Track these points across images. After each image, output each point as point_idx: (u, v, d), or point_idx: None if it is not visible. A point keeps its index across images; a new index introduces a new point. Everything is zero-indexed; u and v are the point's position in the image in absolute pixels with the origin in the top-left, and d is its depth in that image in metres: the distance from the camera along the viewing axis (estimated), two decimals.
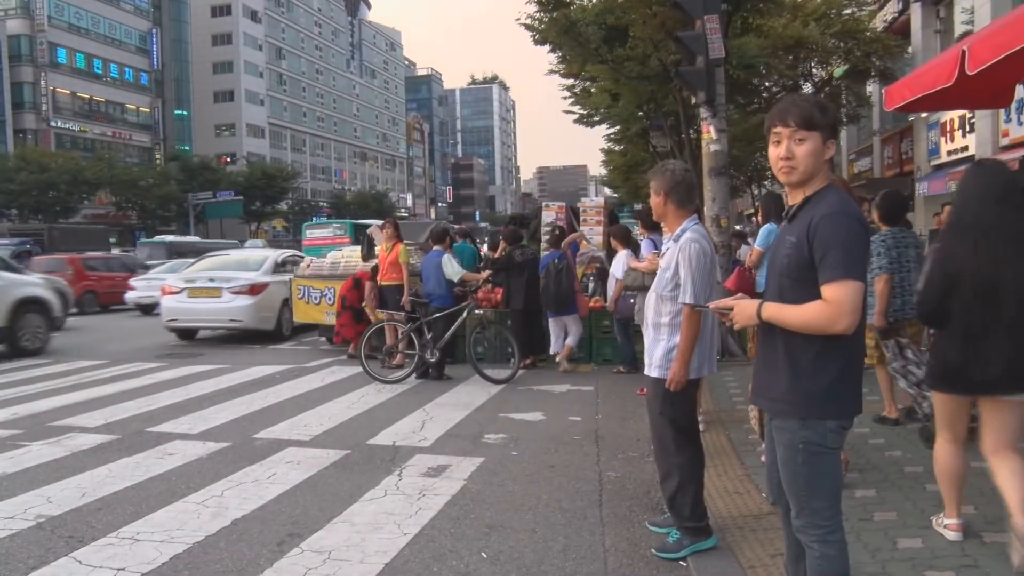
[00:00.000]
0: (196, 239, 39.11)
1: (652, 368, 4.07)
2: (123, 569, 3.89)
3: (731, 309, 2.74)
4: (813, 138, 2.54)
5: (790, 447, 2.63)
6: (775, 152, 2.62)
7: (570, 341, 10.07)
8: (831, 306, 2.43)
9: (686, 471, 4.03)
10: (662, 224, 4.35)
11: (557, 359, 10.10)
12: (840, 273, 2.42)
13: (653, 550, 4.09)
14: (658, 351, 4.04)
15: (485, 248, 14.76)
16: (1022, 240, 3.49)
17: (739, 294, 2.94)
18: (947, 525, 3.85)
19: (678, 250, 3.99)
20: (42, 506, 4.88)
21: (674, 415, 4.04)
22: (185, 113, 73.55)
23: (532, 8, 17.38)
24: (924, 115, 17.94)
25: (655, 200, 4.14)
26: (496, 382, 9.06)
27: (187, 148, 72.09)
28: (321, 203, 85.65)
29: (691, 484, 4.03)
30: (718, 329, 4.23)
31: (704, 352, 4.05)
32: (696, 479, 4.06)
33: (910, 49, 20.31)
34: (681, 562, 3.91)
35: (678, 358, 3.94)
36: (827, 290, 2.44)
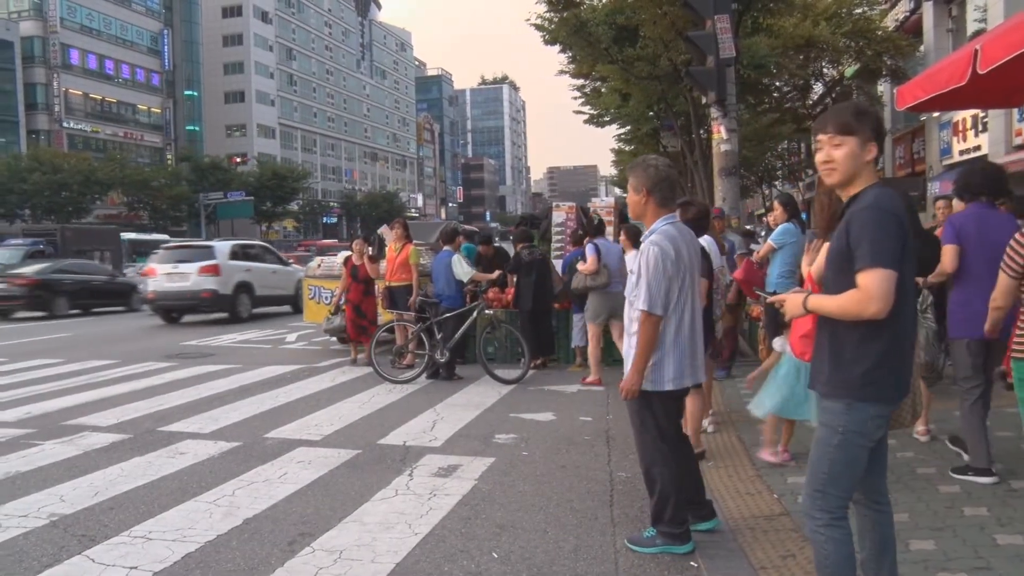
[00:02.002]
0: (163, 237, 40.01)
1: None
2: (135, 568, 3.91)
3: (784, 301, 2.98)
4: (849, 142, 2.73)
5: (830, 427, 2.77)
6: (818, 158, 2.84)
7: (576, 340, 10.12)
8: (861, 292, 2.59)
9: (666, 481, 3.98)
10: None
11: (578, 361, 10.16)
12: (868, 262, 2.58)
13: (626, 540, 4.14)
14: (631, 358, 3.94)
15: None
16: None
17: (797, 288, 3.08)
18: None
19: (640, 253, 3.88)
20: (55, 505, 4.91)
21: (656, 424, 3.97)
22: (195, 94, 73.78)
23: (542, 8, 17.42)
24: (936, 115, 17.85)
25: (634, 198, 3.98)
26: (506, 382, 9.06)
27: (196, 127, 72.58)
28: (332, 203, 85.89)
29: (676, 494, 3.98)
30: (701, 336, 4.07)
31: (682, 360, 3.90)
32: (681, 488, 4.01)
33: (922, 48, 20.20)
34: (691, 562, 3.91)
35: (632, 365, 3.83)
36: (859, 278, 2.60)
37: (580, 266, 9.00)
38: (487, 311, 9.81)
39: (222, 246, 18.51)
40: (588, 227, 9.52)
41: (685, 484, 4.07)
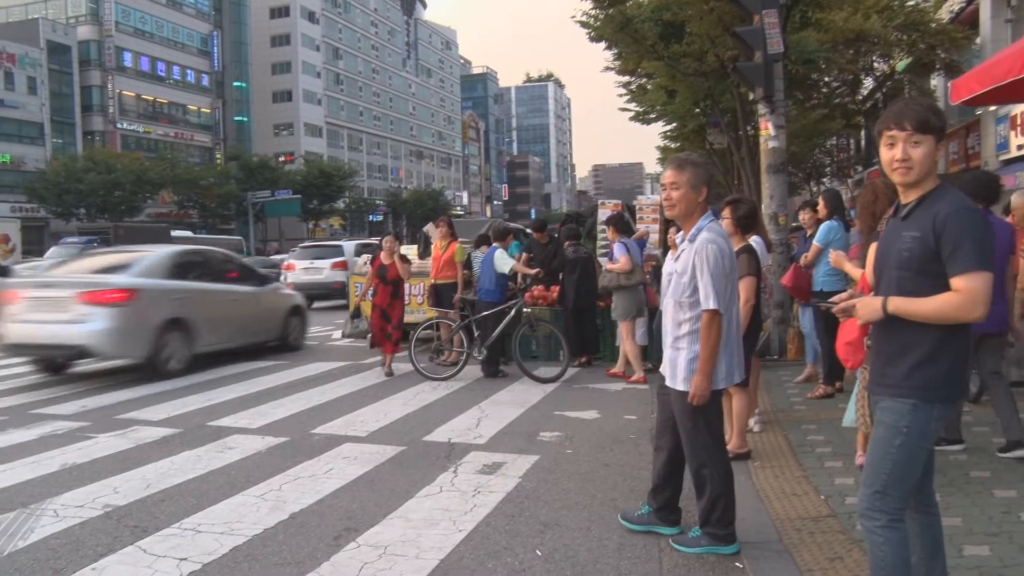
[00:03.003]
0: (187, 233, 41.39)
1: (678, 381, 3.96)
2: (185, 559, 3.99)
3: (852, 307, 2.89)
4: (928, 141, 2.66)
5: (893, 428, 2.73)
6: (889, 154, 2.73)
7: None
8: (965, 295, 2.54)
9: (718, 481, 3.97)
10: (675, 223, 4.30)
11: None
12: (974, 264, 2.53)
13: (671, 540, 4.11)
14: (681, 361, 3.94)
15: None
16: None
17: (858, 291, 3.05)
18: None
19: (694, 252, 3.85)
20: (109, 496, 5.03)
21: (707, 426, 3.97)
22: (244, 84, 75.14)
23: (588, 5, 17.34)
24: (993, 108, 17.39)
25: (691, 195, 3.90)
26: (543, 381, 9.03)
27: (244, 118, 74.39)
28: (378, 201, 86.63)
29: (724, 494, 3.97)
30: (741, 334, 4.11)
31: (732, 359, 3.94)
32: (730, 488, 4.01)
33: (978, 40, 19.69)
34: (737, 563, 3.87)
35: (700, 369, 3.82)
36: (961, 281, 2.55)
37: (609, 265, 9.13)
38: (525, 309, 9.71)
39: (349, 245, 21.76)
40: (617, 225, 9.57)
41: (732, 483, 4.05)
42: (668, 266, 4.19)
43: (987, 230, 2.60)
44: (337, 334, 14.64)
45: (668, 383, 4.06)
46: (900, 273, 2.72)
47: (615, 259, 9.07)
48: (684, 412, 3.97)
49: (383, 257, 9.97)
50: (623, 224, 9.85)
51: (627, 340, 9.17)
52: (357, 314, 10.45)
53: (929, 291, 2.61)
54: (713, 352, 3.81)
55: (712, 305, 3.78)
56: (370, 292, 10.36)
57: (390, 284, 9.85)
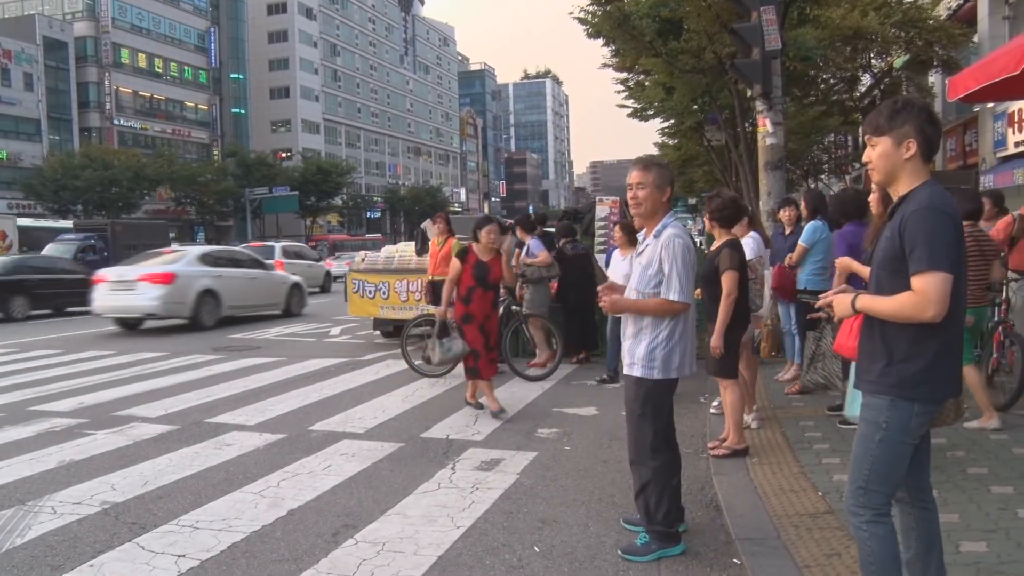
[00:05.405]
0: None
1: (634, 367, 4.00)
2: (183, 556, 3.99)
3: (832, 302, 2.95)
4: (882, 142, 2.75)
5: (872, 423, 2.75)
6: (863, 158, 2.90)
7: None
8: (918, 296, 2.57)
9: (661, 475, 3.98)
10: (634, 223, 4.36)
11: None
12: (925, 265, 2.55)
13: (619, 551, 4.02)
14: (640, 349, 3.98)
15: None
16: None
17: (844, 286, 3.07)
18: None
19: (661, 247, 3.93)
20: (107, 493, 5.03)
21: (654, 416, 3.99)
22: (241, 76, 75.15)
23: (585, 1, 17.32)
24: (990, 105, 17.40)
25: (656, 195, 3.98)
26: (531, 379, 9.00)
27: (242, 111, 74.63)
28: (375, 198, 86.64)
29: (667, 488, 3.98)
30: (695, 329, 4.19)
31: (687, 350, 4.01)
32: (671, 483, 4.02)
33: (976, 37, 19.70)
34: (734, 559, 3.87)
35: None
36: (915, 281, 2.58)
37: (526, 259, 9.73)
38: (513, 307, 9.63)
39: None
40: (523, 225, 10.25)
41: (677, 478, 4.09)
42: (619, 266, 4.28)
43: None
44: (336, 330, 14.62)
45: (625, 371, 4.10)
46: (878, 272, 2.78)
47: (533, 254, 9.65)
48: (635, 399, 4.02)
49: (479, 252, 7.30)
50: (529, 224, 10.37)
51: (541, 331, 9.67)
52: (445, 331, 7.40)
53: (899, 289, 2.63)
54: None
55: (675, 296, 3.87)
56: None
57: (491, 289, 7.40)
